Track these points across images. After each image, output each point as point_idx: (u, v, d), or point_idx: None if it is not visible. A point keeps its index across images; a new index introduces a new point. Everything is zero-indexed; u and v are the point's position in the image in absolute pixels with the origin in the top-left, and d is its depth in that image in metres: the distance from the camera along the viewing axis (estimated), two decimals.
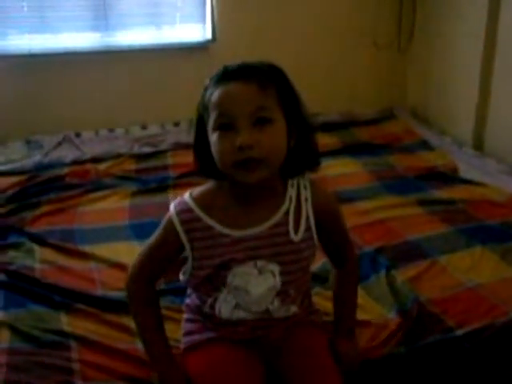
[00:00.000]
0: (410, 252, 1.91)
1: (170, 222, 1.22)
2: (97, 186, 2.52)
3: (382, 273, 1.77)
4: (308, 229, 1.25)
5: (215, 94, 1.12)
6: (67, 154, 2.87)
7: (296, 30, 3.41)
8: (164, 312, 1.40)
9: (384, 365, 1.44)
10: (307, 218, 1.25)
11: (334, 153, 2.84)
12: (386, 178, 2.61)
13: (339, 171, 2.64)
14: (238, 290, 1.23)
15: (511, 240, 1.98)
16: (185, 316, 1.37)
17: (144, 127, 3.27)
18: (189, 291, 1.38)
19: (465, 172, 2.68)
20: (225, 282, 1.23)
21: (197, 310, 1.33)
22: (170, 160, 2.82)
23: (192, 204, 1.21)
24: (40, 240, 2.00)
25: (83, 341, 1.46)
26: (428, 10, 3.41)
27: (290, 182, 1.25)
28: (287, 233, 1.22)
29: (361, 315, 1.50)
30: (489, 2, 2.85)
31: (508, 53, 2.84)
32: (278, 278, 1.23)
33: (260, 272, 1.22)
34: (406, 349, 1.46)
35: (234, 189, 1.21)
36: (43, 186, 2.49)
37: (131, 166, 2.76)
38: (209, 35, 3.27)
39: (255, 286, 1.23)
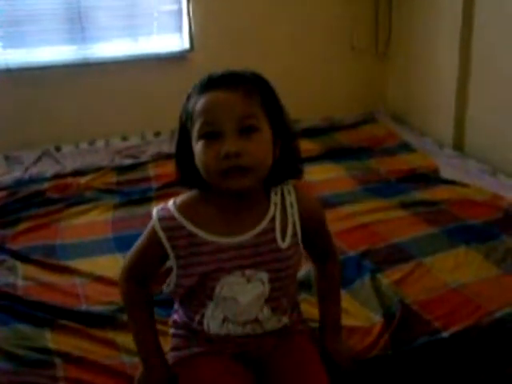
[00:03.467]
0: (394, 255, 1.91)
1: (153, 229, 1.21)
2: (78, 199, 2.49)
3: (367, 277, 1.77)
4: (294, 234, 1.24)
5: (199, 103, 1.12)
6: (47, 168, 2.84)
7: (274, 37, 3.42)
8: None
9: (372, 368, 1.44)
10: (293, 223, 1.24)
11: (315, 158, 2.84)
12: (368, 181, 2.62)
13: (321, 176, 2.64)
14: (227, 300, 1.22)
15: (494, 239, 2.00)
16: (172, 331, 1.36)
17: (124, 139, 3.26)
18: (176, 306, 1.36)
19: (446, 173, 2.69)
20: (211, 296, 1.22)
21: (185, 326, 1.31)
22: (151, 171, 2.80)
23: (175, 212, 1.20)
24: (22, 256, 1.97)
25: (68, 358, 1.44)
26: (404, 14, 3.45)
27: (273, 189, 1.25)
28: (274, 240, 1.21)
29: (346, 320, 1.50)
30: (463, 5, 2.88)
31: (483, 53, 2.88)
32: (266, 286, 1.22)
33: (248, 281, 1.21)
34: (394, 352, 1.46)
35: (218, 197, 1.20)
36: (24, 202, 2.46)
37: (113, 178, 2.74)
38: (186, 45, 3.27)
39: (244, 294, 1.22)
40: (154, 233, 1.21)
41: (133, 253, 1.28)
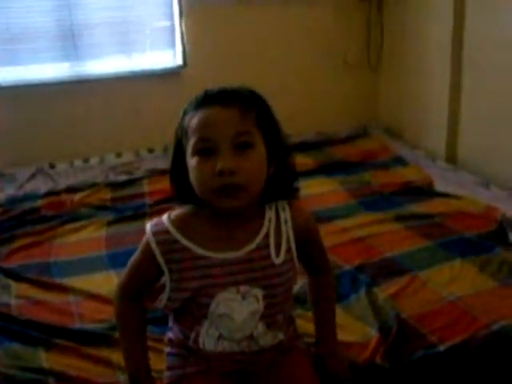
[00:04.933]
0: (389, 268, 1.91)
1: (147, 243, 1.21)
2: (73, 216, 2.49)
3: (363, 291, 1.76)
4: (288, 250, 1.23)
5: (195, 119, 1.12)
6: (41, 185, 2.84)
7: (267, 53, 3.44)
8: None
9: (368, 382, 1.43)
10: (288, 239, 1.23)
11: (309, 173, 2.84)
12: (362, 195, 2.62)
13: (316, 191, 2.64)
14: (222, 317, 1.21)
15: (489, 251, 2.00)
16: (167, 350, 1.34)
17: (119, 155, 3.26)
18: (170, 324, 1.35)
19: (439, 185, 2.70)
20: (206, 313, 1.21)
21: (180, 344, 1.30)
22: (145, 187, 2.80)
23: (169, 225, 1.20)
24: (15, 275, 1.96)
25: (63, 377, 1.42)
26: (395, 28, 3.48)
27: (267, 205, 1.24)
28: (268, 256, 1.21)
29: (342, 334, 1.49)
30: (454, 18, 2.91)
31: (475, 67, 2.90)
32: (261, 302, 1.22)
33: (243, 297, 1.20)
34: (390, 366, 1.45)
35: (212, 213, 1.19)
36: (18, 220, 2.45)
37: (107, 194, 2.73)
38: (179, 61, 3.29)
39: (239, 311, 1.21)
40: (147, 246, 1.20)
41: (127, 268, 1.27)
